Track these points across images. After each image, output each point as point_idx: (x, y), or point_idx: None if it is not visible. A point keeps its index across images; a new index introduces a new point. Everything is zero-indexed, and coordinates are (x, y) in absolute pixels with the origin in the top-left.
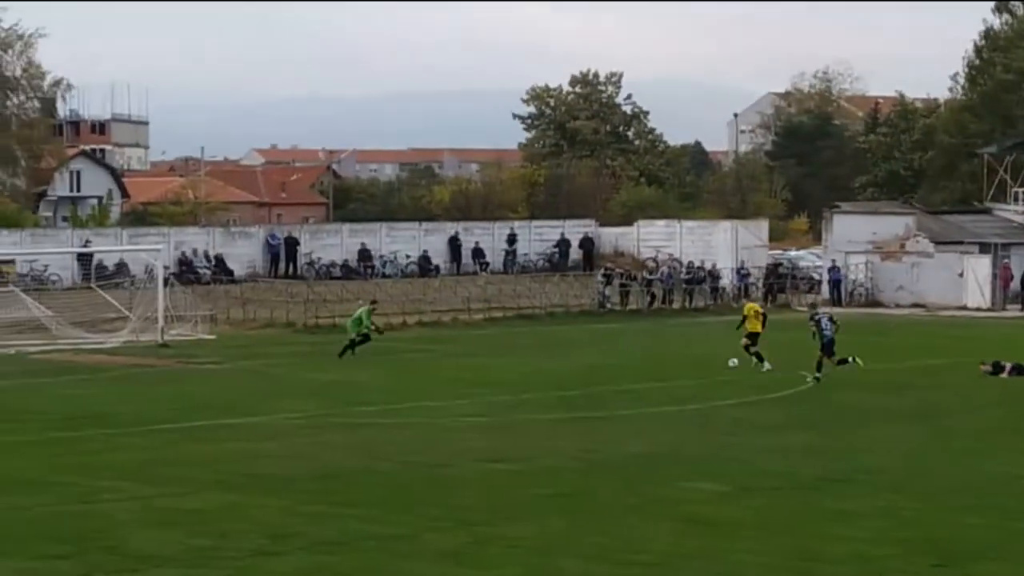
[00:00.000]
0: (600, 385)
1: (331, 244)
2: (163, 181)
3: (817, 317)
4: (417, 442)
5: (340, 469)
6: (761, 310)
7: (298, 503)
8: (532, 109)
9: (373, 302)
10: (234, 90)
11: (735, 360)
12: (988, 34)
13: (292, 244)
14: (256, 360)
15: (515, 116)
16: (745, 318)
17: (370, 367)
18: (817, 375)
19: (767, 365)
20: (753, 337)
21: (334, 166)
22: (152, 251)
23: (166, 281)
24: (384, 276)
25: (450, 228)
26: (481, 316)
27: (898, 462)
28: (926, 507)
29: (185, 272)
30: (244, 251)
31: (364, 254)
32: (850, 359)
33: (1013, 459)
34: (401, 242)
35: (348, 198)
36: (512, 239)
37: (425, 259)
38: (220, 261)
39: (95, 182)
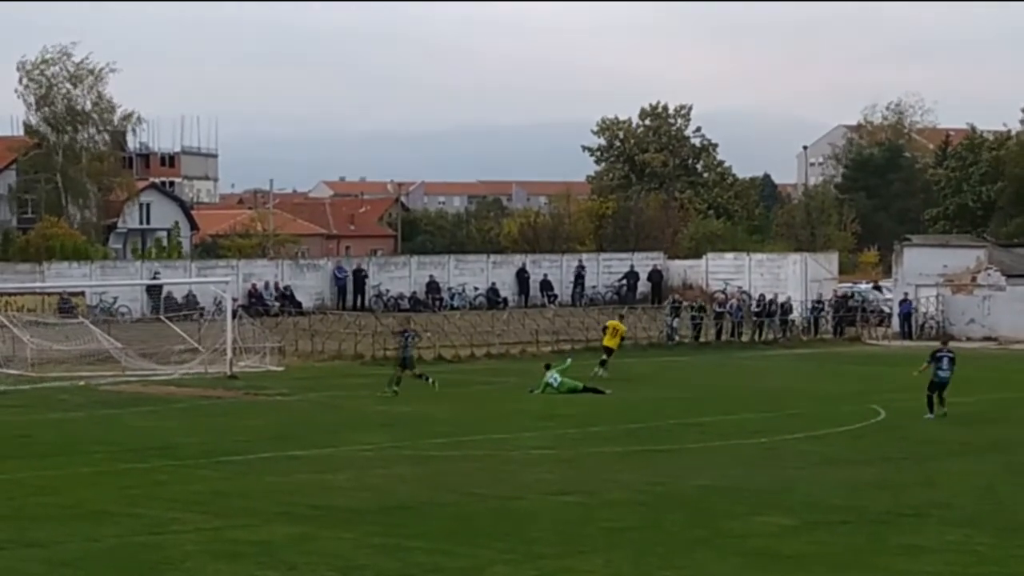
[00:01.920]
0: (668, 418)
1: (399, 276)
2: (232, 213)
3: (940, 355)
4: (484, 474)
5: (408, 501)
6: (623, 330)
7: (367, 535)
8: (602, 141)
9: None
10: (303, 122)
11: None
12: None
13: (360, 276)
14: (324, 392)
15: (584, 148)
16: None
17: (439, 400)
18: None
19: (603, 371)
20: (608, 351)
21: (402, 198)
22: (221, 283)
23: (235, 313)
24: (452, 308)
25: (518, 260)
26: (549, 348)
27: (970, 497)
28: (999, 543)
29: (254, 304)
30: (312, 283)
31: (432, 286)
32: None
33: None
34: (469, 274)
35: (416, 230)
36: (580, 271)
37: (493, 291)
38: (288, 293)
39: (164, 214)
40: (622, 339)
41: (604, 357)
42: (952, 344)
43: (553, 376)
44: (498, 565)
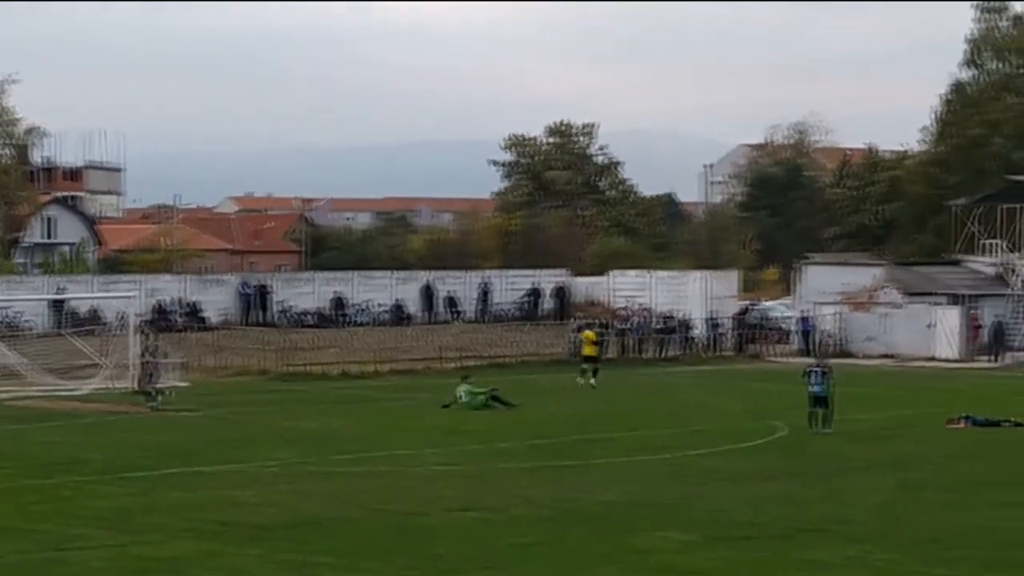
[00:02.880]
0: (572, 434)
1: (305, 292)
2: (137, 228)
3: (811, 370)
4: (391, 490)
5: (315, 517)
6: (596, 338)
7: (273, 551)
8: (510, 157)
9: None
10: (210, 138)
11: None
12: (957, 88)
13: (264, 292)
14: (229, 408)
15: (492, 162)
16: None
17: (344, 415)
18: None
19: (585, 380)
20: (589, 360)
21: (309, 214)
22: (125, 298)
23: (139, 328)
24: (358, 324)
25: (424, 277)
26: (454, 365)
27: (869, 512)
28: (897, 558)
29: (158, 319)
30: (217, 299)
31: (338, 302)
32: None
33: (984, 511)
34: (375, 290)
35: (322, 246)
36: (485, 288)
37: (399, 308)
38: (193, 308)
39: (69, 229)
40: (598, 345)
41: (584, 366)
42: (849, 360)
43: (463, 391)
44: None
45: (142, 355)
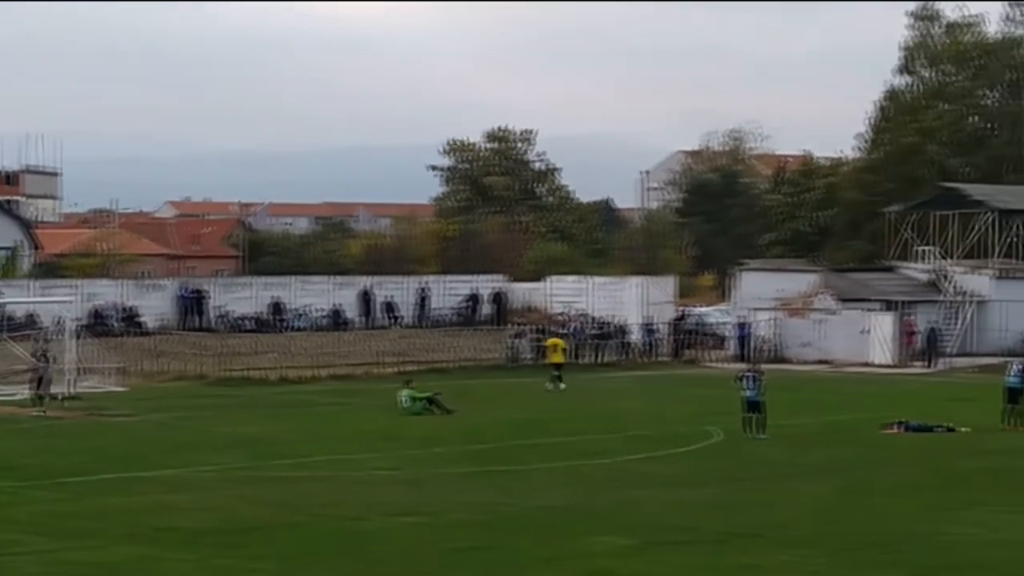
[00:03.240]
0: (511, 439)
1: (243, 297)
2: (75, 233)
3: (743, 375)
4: (329, 495)
5: (253, 522)
6: (563, 345)
7: (210, 557)
8: (449, 162)
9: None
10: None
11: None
12: (892, 95)
13: (201, 297)
14: (167, 412)
15: (431, 168)
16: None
17: (282, 420)
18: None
19: (555, 386)
20: (557, 367)
21: (247, 219)
22: (62, 303)
23: (77, 333)
24: (296, 329)
25: (362, 282)
26: (393, 370)
27: (805, 517)
28: (833, 562)
29: (96, 324)
30: (155, 303)
31: (276, 307)
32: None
33: (919, 515)
34: (313, 295)
35: (261, 251)
36: (423, 293)
37: (337, 313)
38: (131, 313)
39: (5, 233)
40: (563, 352)
41: (555, 373)
42: (785, 366)
43: (405, 395)
44: None
45: (35, 360)
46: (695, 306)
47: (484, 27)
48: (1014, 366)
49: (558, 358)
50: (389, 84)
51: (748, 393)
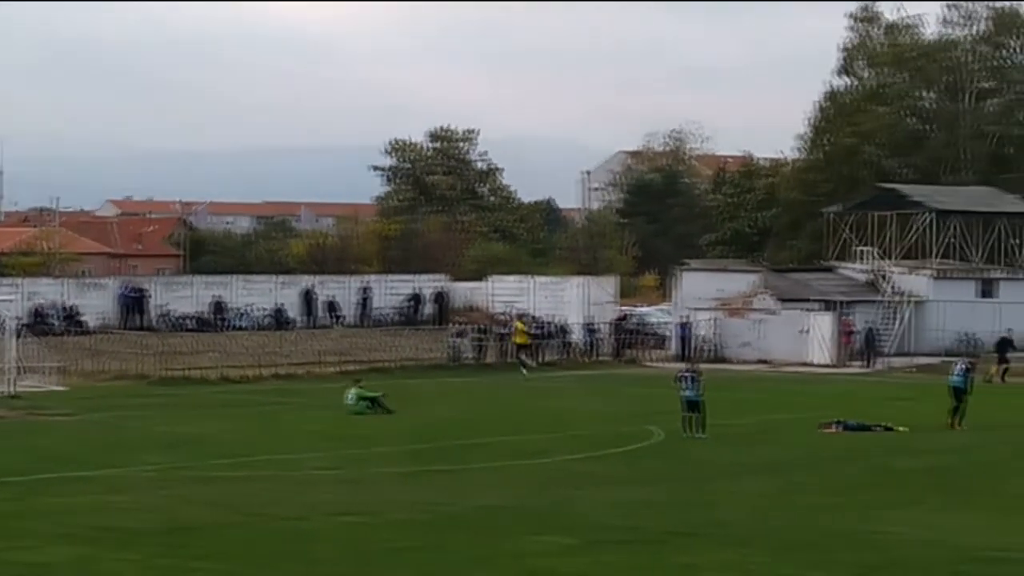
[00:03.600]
0: (451, 438)
1: (185, 296)
2: (16, 232)
3: (681, 376)
4: (270, 495)
5: (193, 523)
6: (525, 328)
7: (150, 557)
8: (392, 162)
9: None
10: (90, 141)
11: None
12: (831, 96)
13: (143, 296)
14: (107, 412)
15: (374, 168)
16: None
17: (223, 420)
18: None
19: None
20: (523, 348)
21: (189, 218)
22: (3, 301)
23: (17, 332)
24: (238, 329)
25: (305, 281)
26: (335, 369)
27: (744, 516)
28: (772, 561)
29: (37, 323)
30: (97, 302)
31: (218, 306)
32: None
33: (859, 514)
34: (256, 295)
35: (203, 250)
36: (366, 292)
37: (280, 312)
38: (72, 312)
39: None
40: (527, 335)
41: (520, 356)
42: (725, 366)
43: (352, 394)
44: None
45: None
46: (637, 306)
47: (427, 28)
48: (957, 365)
49: (523, 339)
50: (331, 84)
51: (687, 393)
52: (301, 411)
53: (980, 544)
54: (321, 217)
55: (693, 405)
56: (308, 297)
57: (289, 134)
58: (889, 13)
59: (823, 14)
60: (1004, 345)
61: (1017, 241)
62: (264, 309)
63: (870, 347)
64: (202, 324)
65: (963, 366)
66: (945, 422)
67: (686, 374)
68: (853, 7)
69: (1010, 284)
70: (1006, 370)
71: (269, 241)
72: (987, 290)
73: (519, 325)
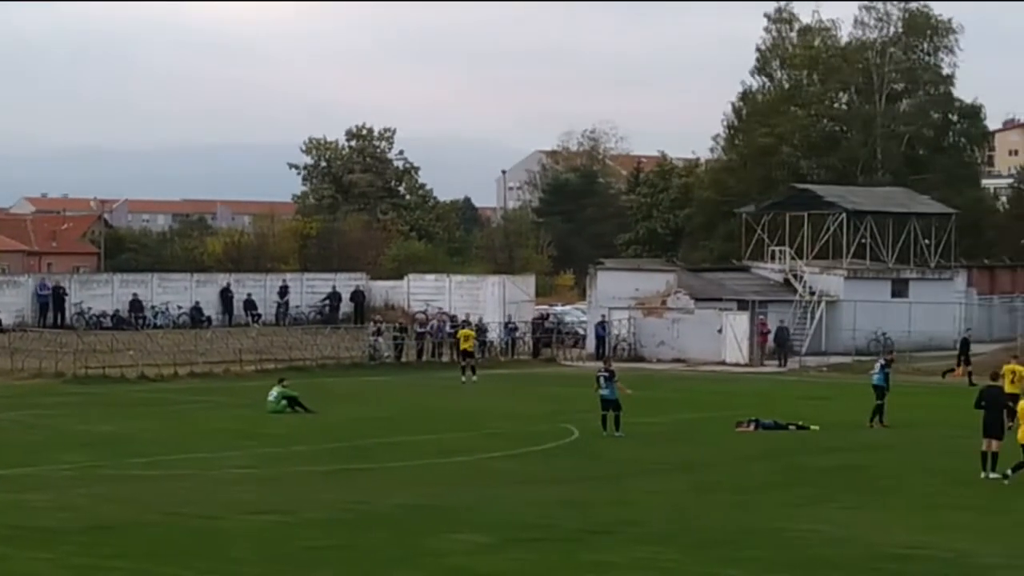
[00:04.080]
0: (370, 437)
1: (102, 294)
2: None
3: (598, 375)
4: (187, 494)
5: (109, 521)
6: (471, 334)
7: (66, 555)
8: (309, 160)
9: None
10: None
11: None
12: (746, 96)
13: (59, 294)
14: (24, 411)
15: (291, 166)
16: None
17: (141, 419)
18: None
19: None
20: (467, 355)
21: (106, 216)
22: None
23: None
24: (156, 327)
25: (222, 279)
26: (253, 368)
27: (659, 514)
28: (686, 559)
29: None
30: (13, 300)
31: (136, 304)
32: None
33: (772, 512)
34: (173, 293)
35: (120, 248)
36: (284, 291)
37: (197, 310)
38: None
39: None
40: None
41: (463, 363)
42: (642, 365)
43: (275, 392)
44: None
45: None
46: (553, 305)
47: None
48: (877, 364)
49: (468, 346)
50: (249, 81)
51: (604, 392)
52: (219, 410)
53: (891, 541)
54: (238, 215)
55: (610, 403)
56: (226, 295)
57: (207, 133)
58: (805, 15)
59: (741, 15)
60: (966, 346)
61: (929, 241)
62: (181, 307)
63: (781, 346)
64: (119, 322)
65: (880, 363)
66: (865, 420)
67: (602, 373)
68: (770, 8)
69: (921, 284)
70: (970, 372)
71: (186, 239)
72: (899, 290)
73: (466, 332)
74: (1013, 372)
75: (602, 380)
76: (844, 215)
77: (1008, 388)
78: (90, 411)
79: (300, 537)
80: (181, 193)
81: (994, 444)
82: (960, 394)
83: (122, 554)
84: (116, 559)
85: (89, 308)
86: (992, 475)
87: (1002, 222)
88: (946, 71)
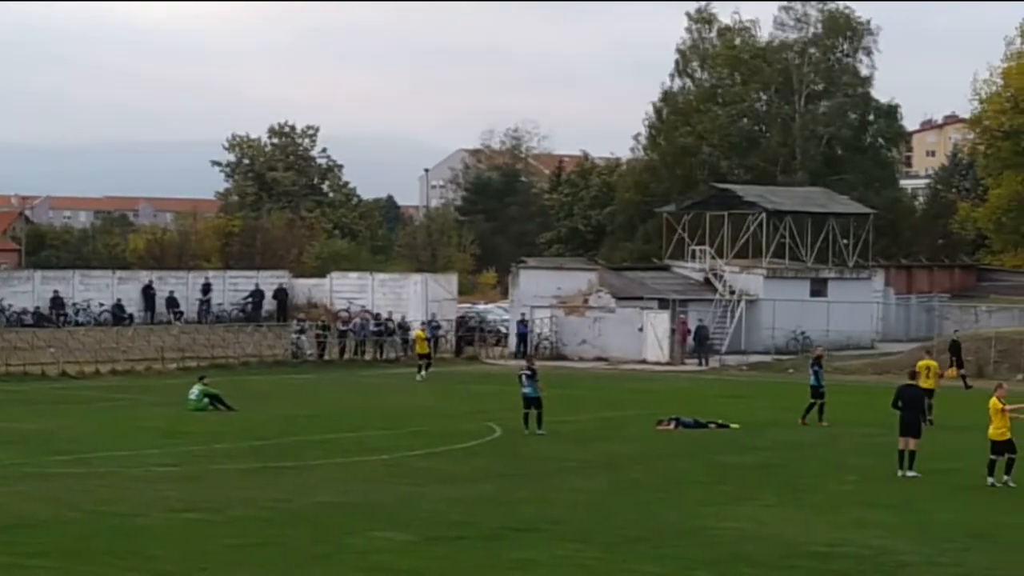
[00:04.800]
0: (293, 435)
1: (22, 291)
2: None
3: (519, 374)
4: (108, 492)
5: (30, 519)
6: (425, 335)
7: None
8: (232, 157)
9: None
10: None
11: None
12: (667, 96)
13: None
14: None
15: (214, 163)
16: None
17: (62, 416)
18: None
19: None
20: (423, 356)
21: (27, 212)
22: None
23: None
24: (77, 324)
25: (144, 277)
26: (175, 366)
27: (580, 512)
28: (607, 556)
29: None
30: None
31: (57, 302)
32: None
33: (692, 509)
34: (95, 290)
35: (41, 245)
36: (206, 289)
37: (119, 308)
38: None
39: None
40: (428, 343)
41: (420, 363)
42: (564, 363)
43: (196, 390)
44: None
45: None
46: (476, 303)
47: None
48: (810, 364)
49: (423, 348)
50: (171, 78)
51: (526, 390)
52: (141, 408)
53: (810, 539)
54: (161, 212)
55: (532, 401)
56: (148, 293)
57: (129, 129)
58: (725, 16)
59: (663, 15)
60: (956, 347)
61: (847, 241)
62: (103, 305)
63: (701, 345)
64: (40, 319)
65: (812, 361)
66: (789, 418)
67: (524, 371)
68: (691, 8)
69: (840, 284)
70: (964, 376)
71: (108, 236)
72: (818, 289)
73: (419, 333)
74: (927, 367)
75: (524, 378)
76: (764, 215)
77: (923, 383)
78: (11, 409)
79: (222, 535)
80: (103, 190)
81: (911, 443)
82: (874, 393)
83: (43, 552)
84: (37, 557)
85: (10, 305)
86: (908, 473)
87: (919, 222)
88: (864, 72)
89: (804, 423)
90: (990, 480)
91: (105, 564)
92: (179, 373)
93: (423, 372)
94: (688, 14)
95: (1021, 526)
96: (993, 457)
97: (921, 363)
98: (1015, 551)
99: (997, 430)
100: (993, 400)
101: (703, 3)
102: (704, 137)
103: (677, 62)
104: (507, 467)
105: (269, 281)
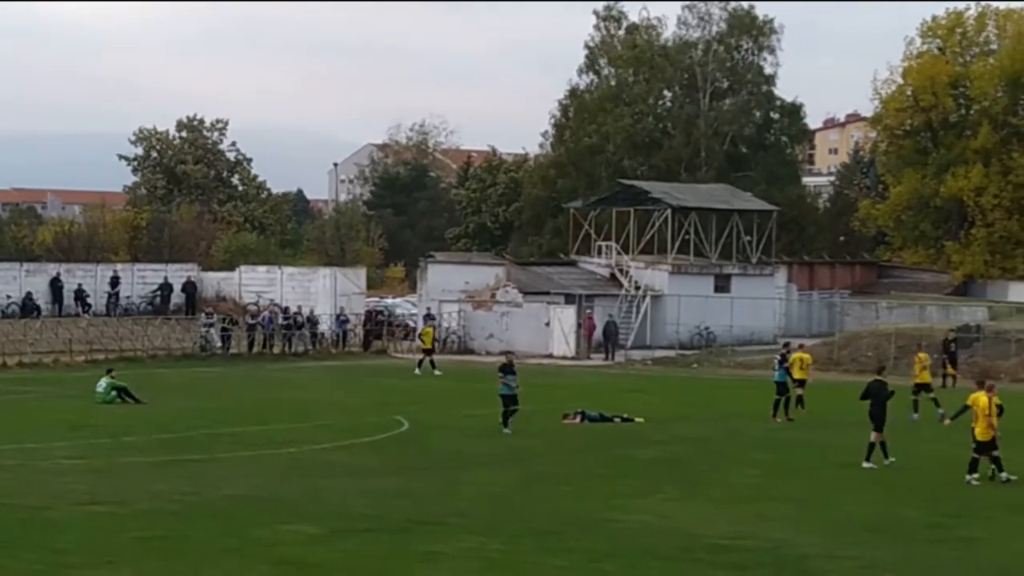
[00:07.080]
0: (200, 428)
1: None
2: None
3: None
4: (14, 484)
5: None
6: (432, 332)
7: None
8: (139, 151)
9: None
10: None
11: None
12: (574, 94)
13: None
14: None
15: (121, 157)
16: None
17: None
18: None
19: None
20: (427, 352)
21: None
22: None
23: None
24: None
25: (52, 269)
26: (83, 358)
27: (487, 505)
28: (513, 549)
29: None
30: None
31: None
32: None
33: (598, 502)
34: (2, 282)
35: None
36: (115, 282)
37: (27, 300)
38: None
39: None
40: (433, 339)
41: (422, 358)
42: (471, 357)
43: (104, 383)
44: None
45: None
46: (384, 297)
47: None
48: (776, 361)
49: (428, 343)
50: (78, 72)
51: (504, 390)
52: (49, 400)
53: (712, 532)
54: (68, 204)
55: (510, 400)
56: (56, 285)
57: (36, 121)
58: (633, 13)
59: (572, 12)
60: (949, 348)
61: (751, 238)
62: (11, 297)
63: (609, 339)
64: None
65: (778, 359)
66: (690, 412)
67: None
68: (601, 6)
69: (743, 280)
70: (954, 376)
71: (16, 228)
72: (722, 285)
73: (428, 330)
74: (800, 359)
75: (507, 377)
76: (669, 211)
77: (796, 375)
78: None
79: (129, 528)
80: (10, 182)
81: (874, 435)
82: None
83: None
84: None
85: None
86: (867, 464)
87: (822, 219)
88: (768, 70)
89: (777, 419)
90: (968, 478)
91: (11, 556)
92: (87, 366)
93: (421, 367)
94: (597, 12)
95: (917, 519)
96: (976, 456)
97: (795, 355)
98: (911, 543)
99: (983, 430)
100: (984, 400)
101: (612, 2)
102: (609, 136)
103: (585, 59)
104: (414, 461)
105: (178, 274)
